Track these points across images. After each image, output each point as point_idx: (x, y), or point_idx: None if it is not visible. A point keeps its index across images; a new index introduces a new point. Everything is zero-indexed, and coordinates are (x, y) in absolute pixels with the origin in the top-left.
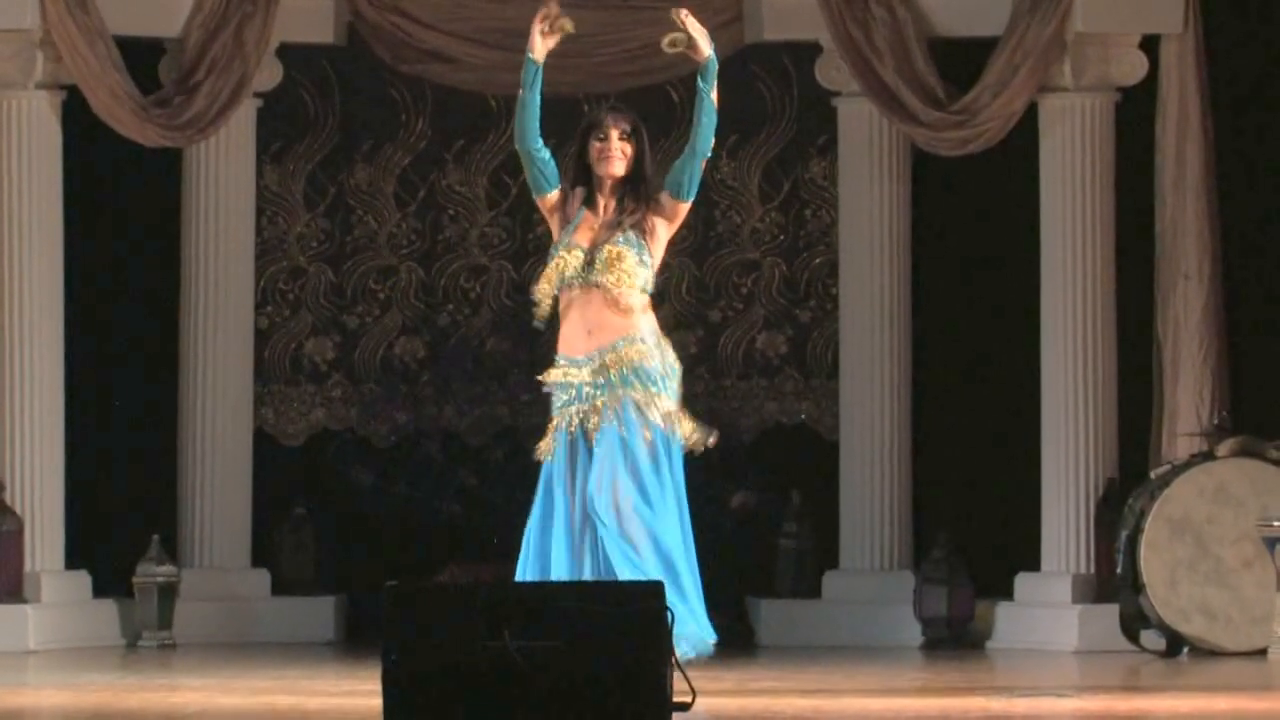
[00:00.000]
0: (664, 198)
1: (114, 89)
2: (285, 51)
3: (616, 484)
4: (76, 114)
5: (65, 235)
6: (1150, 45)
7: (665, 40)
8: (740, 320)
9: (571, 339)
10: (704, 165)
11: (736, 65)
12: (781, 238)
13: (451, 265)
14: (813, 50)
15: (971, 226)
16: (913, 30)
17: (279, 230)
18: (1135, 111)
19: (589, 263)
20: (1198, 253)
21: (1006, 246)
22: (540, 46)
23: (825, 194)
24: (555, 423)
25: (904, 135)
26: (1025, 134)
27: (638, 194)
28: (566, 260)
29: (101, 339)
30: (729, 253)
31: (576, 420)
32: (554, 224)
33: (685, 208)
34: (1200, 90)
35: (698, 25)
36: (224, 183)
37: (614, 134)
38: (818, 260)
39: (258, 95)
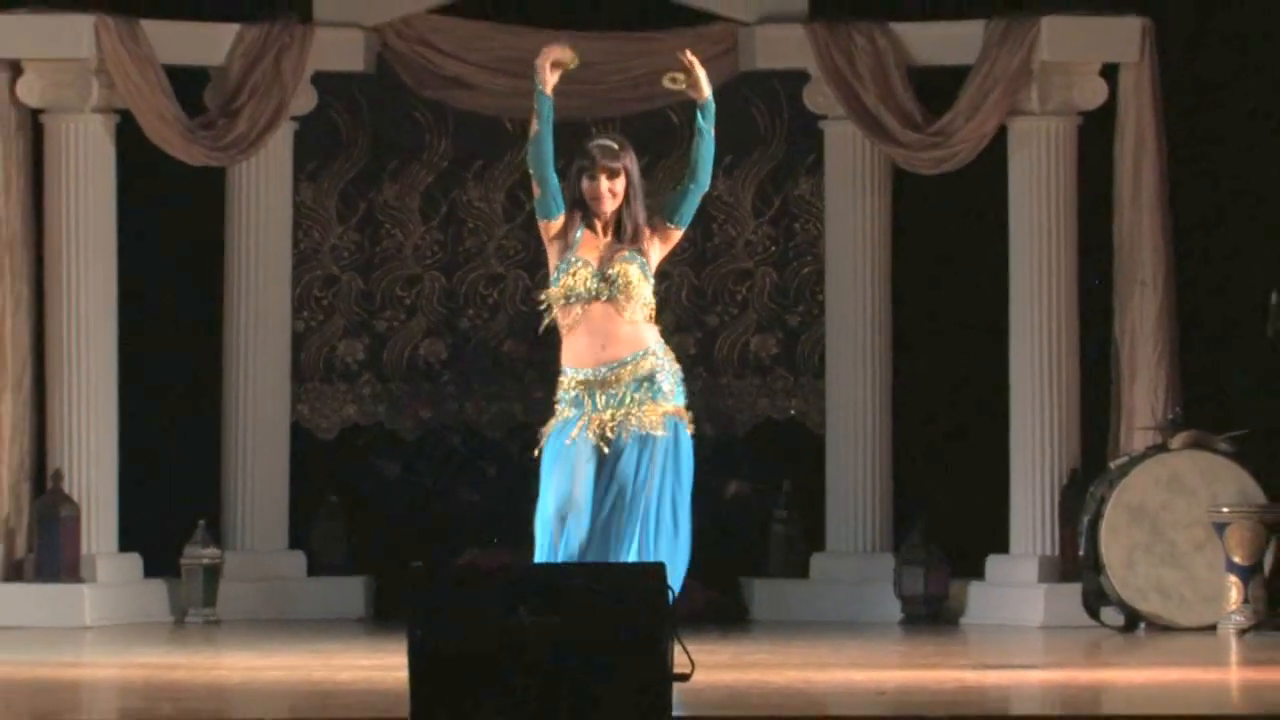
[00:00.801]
0: (659, 222)
1: (163, 113)
2: (319, 79)
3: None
4: (129, 136)
5: (118, 246)
6: (1110, 73)
7: (666, 78)
8: (735, 324)
9: (581, 353)
10: (701, 197)
11: (731, 91)
12: (773, 248)
13: (471, 274)
14: (801, 78)
15: (947, 238)
16: (893, 59)
17: (314, 242)
18: (1096, 133)
19: (601, 278)
20: (1153, 262)
21: (978, 256)
22: (550, 82)
23: (813, 209)
24: (583, 421)
25: (885, 155)
26: (996, 154)
27: (635, 216)
28: (579, 275)
29: (152, 342)
30: (725, 262)
31: (598, 426)
32: (554, 250)
33: (679, 235)
34: (1155, 114)
35: (700, 67)
36: (264, 199)
37: (601, 177)
38: (806, 269)
39: (294, 119)
